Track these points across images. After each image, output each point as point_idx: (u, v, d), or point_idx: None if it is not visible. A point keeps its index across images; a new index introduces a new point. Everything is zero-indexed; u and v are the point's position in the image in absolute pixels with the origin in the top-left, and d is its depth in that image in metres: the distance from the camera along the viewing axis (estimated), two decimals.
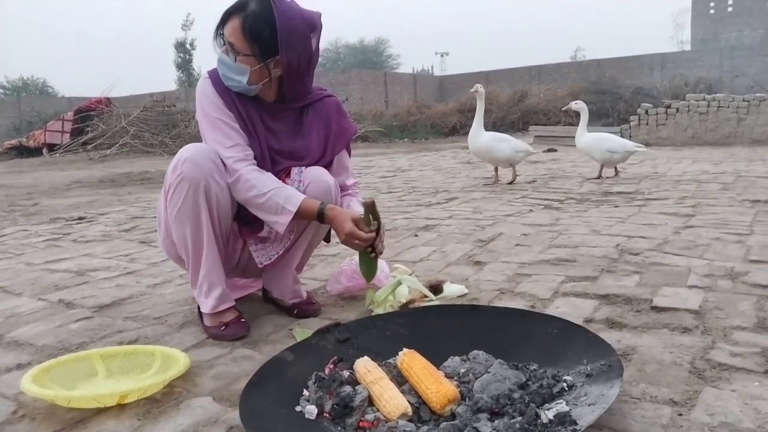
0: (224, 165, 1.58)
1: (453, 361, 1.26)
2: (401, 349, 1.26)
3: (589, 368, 1.18)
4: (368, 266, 1.66)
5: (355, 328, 1.44)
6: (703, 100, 9.08)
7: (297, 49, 1.57)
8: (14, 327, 1.78)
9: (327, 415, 1.11)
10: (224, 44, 1.59)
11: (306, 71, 1.63)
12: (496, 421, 1.02)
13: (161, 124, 12.58)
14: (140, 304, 1.97)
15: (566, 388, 1.13)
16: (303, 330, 1.58)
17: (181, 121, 12.71)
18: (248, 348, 1.54)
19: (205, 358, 1.48)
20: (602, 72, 19.25)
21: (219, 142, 1.59)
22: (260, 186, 1.56)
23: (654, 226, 2.86)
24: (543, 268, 2.18)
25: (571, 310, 1.69)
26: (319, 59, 1.71)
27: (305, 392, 1.18)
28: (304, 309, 1.77)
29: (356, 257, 1.72)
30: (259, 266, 1.75)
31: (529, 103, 15.29)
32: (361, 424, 1.07)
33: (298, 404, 1.16)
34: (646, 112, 9.42)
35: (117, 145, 11.59)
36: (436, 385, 1.11)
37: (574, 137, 5.29)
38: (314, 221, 1.61)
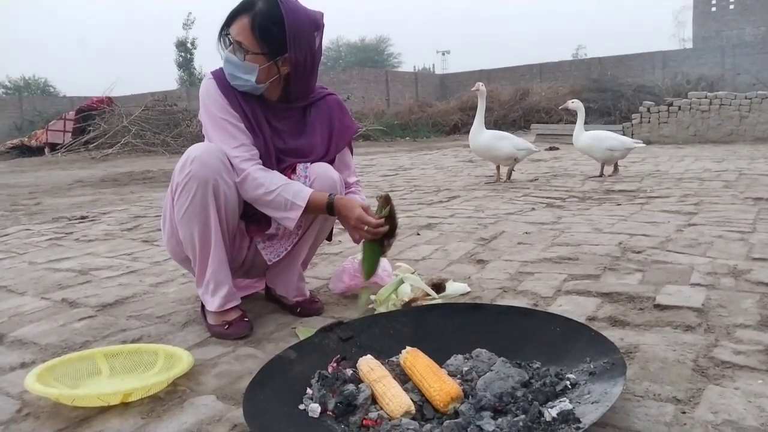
0: (231, 164, 1.58)
1: (456, 360, 1.26)
2: (404, 348, 1.26)
3: (592, 366, 1.18)
4: (370, 262, 1.63)
5: (358, 326, 1.44)
6: (705, 97, 9.07)
7: (304, 47, 1.58)
8: (18, 326, 1.79)
9: (330, 413, 1.11)
10: (230, 44, 1.59)
11: (311, 70, 1.65)
12: (500, 420, 1.03)
13: (163, 123, 12.61)
14: (143, 303, 1.97)
15: (569, 386, 1.13)
16: (306, 328, 1.59)
17: (183, 120, 12.73)
18: (251, 346, 1.54)
19: (209, 356, 1.49)
20: (604, 70, 19.20)
21: (225, 143, 1.59)
22: (268, 184, 1.56)
23: (656, 224, 2.86)
24: (545, 266, 2.18)
25: (573, 308, 1.69)
26: (321, 58, 1.72)
27: (308, 390, 1.19)
28: (307, 307, 1.77)
29: (359, 255, 1.72)
30: (268, 263, 1.75)
31: (531, 102, 15.28)
32: (364, 422, 1.08)
33: (302, 402, 1.16)
34: (648, 110, 9.40)
35: (119, 144, 11.62)
36: (439, 383, 1.11)
37: None
38: (320, 216, 1.61)
